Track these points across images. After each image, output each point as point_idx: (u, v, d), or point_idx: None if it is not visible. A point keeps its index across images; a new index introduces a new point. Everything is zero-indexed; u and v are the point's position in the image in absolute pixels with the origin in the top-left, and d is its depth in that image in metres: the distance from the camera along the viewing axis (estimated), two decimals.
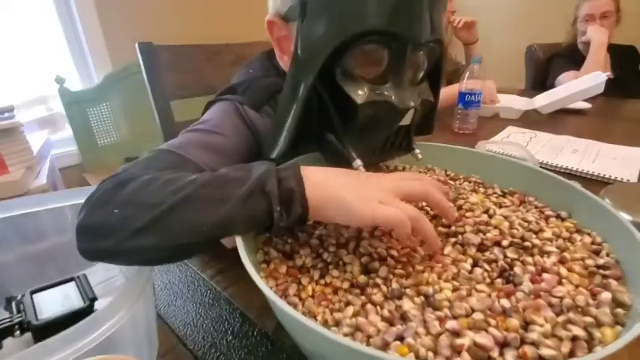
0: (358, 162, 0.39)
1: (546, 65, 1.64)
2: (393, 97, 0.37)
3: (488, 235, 0.32)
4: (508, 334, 0.22)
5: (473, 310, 0.24)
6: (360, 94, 0.37)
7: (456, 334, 0.23)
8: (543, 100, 1.14)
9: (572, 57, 1.53)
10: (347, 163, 0.40)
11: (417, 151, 0.45)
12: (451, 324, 0.23)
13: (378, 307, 0.26)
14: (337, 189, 0.29)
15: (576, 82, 1.15)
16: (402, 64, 0.37)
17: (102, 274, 0.46)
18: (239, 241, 0.28)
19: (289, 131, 0.39)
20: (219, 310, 0.41)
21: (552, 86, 1.53)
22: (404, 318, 0.24)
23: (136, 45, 0.85)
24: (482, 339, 0.22)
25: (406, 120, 0.40)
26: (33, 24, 1.45)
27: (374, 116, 0.38)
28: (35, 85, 1.50)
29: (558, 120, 1.11)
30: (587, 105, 1.20)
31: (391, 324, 0.24)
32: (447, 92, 1.10)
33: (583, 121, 1.11)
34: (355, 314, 0.25)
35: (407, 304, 0.25)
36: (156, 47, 0.87)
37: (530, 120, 1.09)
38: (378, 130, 0.40)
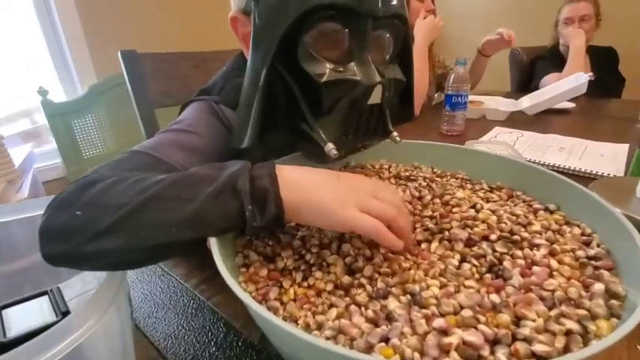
0: (330, 145, 0.38)
1: (530, 68, 1.67)
2: (356, 74, 0.36)
3: (476, 229, 0.31)
4: (499, 330, 0.21)
5: (461, 307, 0.23)
6: (322, 74, 0.36)
7: (444, 332, 0.21)
8: (528, 102, 1.16)
9: (555, 59, 1.57)
10: (320, 149, 0.39)
11: (395, 134, 0.44)
12: (438, 322, 0.22)
13: (363, 308, 0.24)
14: (313, 189, 0.28)
15: (560, 84, 1.18)
16: (364, 40, 0.36)
17: (79, 287, 0.43)
18: (213, 244, 0.27)
19: (255, 119, 0.38)
20: (202, 321, 0.39)
21: (537, 88, 1.55)
22: (389, 318, 0.23)
23: (119, 53, 0.84)
24: (472, 337, 0.20)
25: (375, 98, 0.39)
26: (15, 35, 1.43)
27: (340, 95, 0.37)
28: (19, 97, 1.47)
29: (544, 120, 1.12)
30: (571, 105, 1.22)
31: (376, 325, 0.23)
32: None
33: (568, 121, 1.13)
34: (339, 316, 0.24)
35: (392, 304, 0.24)
36: (139, 55, 0.86)
37: (517, 120, 1.10)
38: (347, 110, 0.39)
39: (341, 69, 0.37)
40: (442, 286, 0.25)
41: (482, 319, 0.22)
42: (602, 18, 1.52)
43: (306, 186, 0.28)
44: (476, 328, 0.22)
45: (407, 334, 0.21)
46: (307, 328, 0.23)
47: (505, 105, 1.16)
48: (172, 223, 0.26)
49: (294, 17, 0.34)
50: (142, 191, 0.27)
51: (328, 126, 0.39)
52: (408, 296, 0.25)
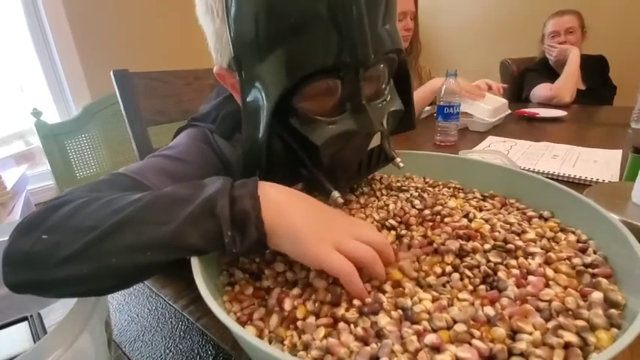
0: (336, 194, 0.37)
1: (520, 78, 1.70)
2: (354, 125, 0.35)
3: (469, 241, 0.30)
4: (494, 345, 0.20)
5: (454, 322, 0.22)
6: (318, 135, 0.35)
7: (437, 349, 0.20)
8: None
9: (544, 71, 1.60)
10: (325, 194, 0.38)
11: (398, 160, 0.44)
12: (430, 338, 0.20)
13: (352, 326, 0.23)
14: (294, 216, 0.27)
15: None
16: (358, 88, 0.34)
17: (63, 312, 0.42)
18: (195, 264, 0.26)
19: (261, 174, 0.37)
20: (190, 343, 0.37)
21: (527, 99, 1.58)
22: (379, 335, 0.22)
23: (111, 73, 0.84)
24: (465, 353, 0.19)
25: (376, 142, 0.38)
26: (9, 56, 1.44)
27: (339, 147, 0.36)
28: (13, 120, 1.47)
29: (537, 128, 1.13)
30: (562, 113, 1.23)
31: (365, 343, 0.21)
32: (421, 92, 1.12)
33: (561, 128, 1.13)
34: (327, 335, 0.22)
35: (383, 320, 0.22)
36: (132, 74, 0.86)
37: (510, 129, 1.11)
38: (348, 158, 0.39)
39: (336, 121, 0.35)
40: (435, 300, 0.24)
41: (477, 333, 0.21)
42: (587, 30, 1.56)
43: (287, 211, 0.27)
44: (470, 343, 0.21)
45: (397, 353, 0.20)
46: (294, 348, 0.22)
47: (487, 114, 1.11)
48: (147, 247, 0.25)
49: (283, 89, 0.33)
50: (115, 213, 0.26)
51: (332, 175, 0.38)
52: (400, 311, 0.23)
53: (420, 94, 1.17)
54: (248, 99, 0.36)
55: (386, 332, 0.21)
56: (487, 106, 1.10)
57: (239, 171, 0.43)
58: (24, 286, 0.26)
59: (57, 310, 0.41)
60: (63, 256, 0.24)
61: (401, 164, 0.44)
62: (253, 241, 0.26)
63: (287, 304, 0.25)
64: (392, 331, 0.21)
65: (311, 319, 0.24)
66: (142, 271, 0.27)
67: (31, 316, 0.37)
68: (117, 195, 0.28)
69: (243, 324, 0.25)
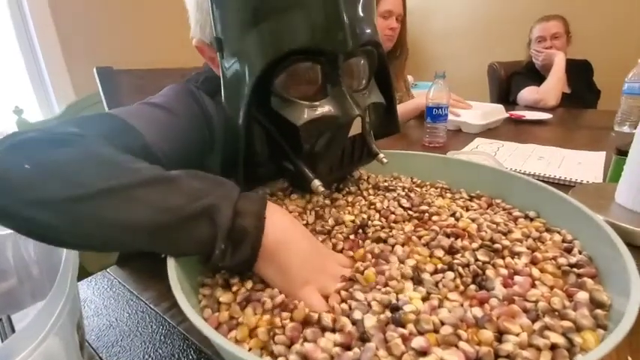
0: (316, 182, 0.37)
1: (508, 82, 1.73)
2: (333, 110, 0.35)
3: (457, 238, 0.30)
4: (480, 348, 0.20)
5: (442, 324, 0.22)
6: (298, 116, 0.35)
7: (423, 353, 0.19)
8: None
9: (531, 75, 1.63)
10: (307, 183, 0.37)
11: (381, 155, 0.44)
12: (418, 342, 0.20)
13: (335, 329, 0.22)
14: (292, 255, 0.27)
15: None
16: (337, 75, 0.35)
17: None
18: (170, 263, 0.25)
19: (241, 163, 0.37)
20: (171, 348, 0.36)
21: (515, 102, 1.61)
22: (363, 339, 0.21)
23: (94, 70, 0.82)
24: (452, 356, 0.19)
25: (356, 129, 0.38)
26: None
27: (319, 133, 0.36)
28: None
29: (523, 130, 1.14)
30: (548, 116, 1.25)
31: (348, 348, 0.20)
32: (407, 105, 1.13)
33: (546, 131, 1.15)
34: (305, 339, 0.22)
35: (369, 321, 0.22)
36: (116, 72, 0.84)
37: (497, 131, 1.12)
38: (329, 146, 0.38)
39: (317, 106, 0.35)
40: (425, 299, 0.24)
41: (464, 335, 0.21)
42: (572, 35, 1.60)
43: (287, 244, 0.27)
44: (457, 346, 0.20)
45: (382, 358, 0.19)
46: (271, 355, 0.21)
47: (477, 118, 1.14)
48: (130, 227, 0.23)
49: (264, 66, 0.33)
50: (109, 177, 0.24)
51: (312, 164, 0.38)
52: (388, 313, 0.23)
53: (402, 109, 1.17)
54: (228, 77, 0.36)
55: (369, 335, 0.21)
56: (477, 110, 1.12)
57: (221, 131, 0.43)
58: None
59: (30, 315, 0.40)
60: (38, 197, 0.23)
61: (384, 160, 0.44)
62: (243, 260, 0.25)
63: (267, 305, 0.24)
64: (374, 334, 0.21)
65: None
66: (112, 246, 0.26)
67: (0, 319, 0.35)
68: (115, 155, 0.26)
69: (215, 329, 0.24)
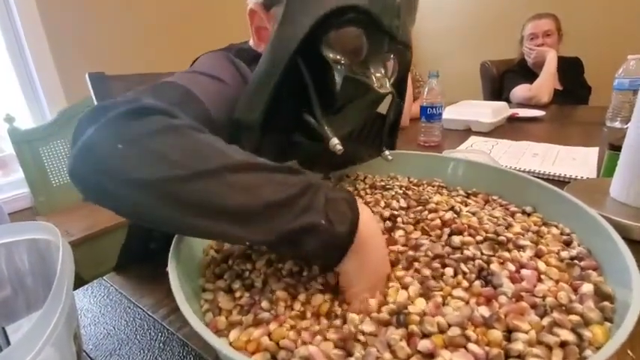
0: (335, 140, 0.37)
1: (500, 79, 1.74)
2: (371, 81, 0.37)
3: (462, 232, 0.30)
4: (490, 349, 0.19)
5: (449, 325, 0.21)
6: (339, 73, 0.37)
7: (430, 355, 0.19)
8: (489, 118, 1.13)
9: (523, 72, 1.64)
10: (318, 146, 0.38)
11: (387, 152, 0.46)
12: (425, 344, 0.19)
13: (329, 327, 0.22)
14: (375, 251, 0.27)
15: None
16: (380, 54, 0.38)
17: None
18: (172, 267, 0.24)
19: (269, 99, 0.37)
20: (170, 355, 0.36)
21: (507, 100, 1.62)
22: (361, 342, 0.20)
23: (86, 75, 0.81)
24: (461, 359, 0.18)
25: (383, 108, 0.40)
26: None
27: (353, 96, 0.38)
28: None
29: (517, 127, 1.15)
30: (541, 113, 1.26)
31: (349, 354, 0.20)
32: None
33: (540, 128, 1.16)
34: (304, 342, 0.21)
35: (367, 326, 0.21)
36: (109, 77, 0.83)
37: (492, 129, 1.13)
38: (355, 113, 0.40)
39: (357, 72, 0.38)
40: (428, 298, 0.23)
41: (473, 336, 0.20)
42: (563, 33, 1.61)
43: (375, 236, 0.28)
44: (466, 347, 0.20)
45: None
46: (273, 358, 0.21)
47: (487, 116, 1.13)
48: (224, 212, 0.23)
49: (327, 10, 0.34)
50: (204, 159, 0.23)
51: (335, 123, 0.39)
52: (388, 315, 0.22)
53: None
54: (280, 25, 0.37)
55: (369, 339, 0.20)
56: (487, 109, 1.13)
57: None
58: (85, 180, 0.24)
59: (25, 327, 0.39)
60: (133, 177, 0.22)
61: (389, 157, 0.45)
62: (339, 242, 0.25)
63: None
64: (376, 336, 0.20)
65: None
66: (198, 232, 0.26)
67: None
68: (206, 135, 0.26)
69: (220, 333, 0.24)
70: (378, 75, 0.38)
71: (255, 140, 0.37)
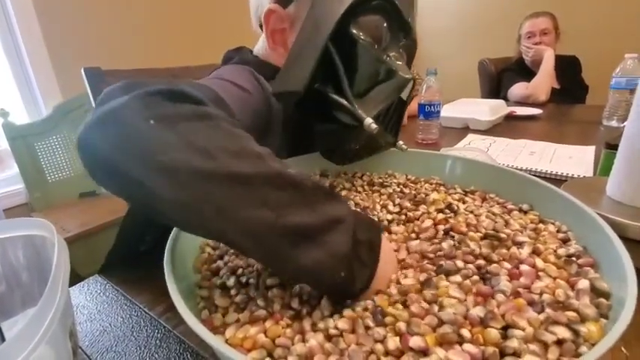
0: (369, 120, 0.38)
1: (498, 78, 1.75)
2: (395, 67, 0.39)
3: (460, 228, 0.30)
4: (486, 348, 0.19)
5: (442, 322, 0.21)
6: (371, 49, 0.38)
7: (423, 352, 0.19)
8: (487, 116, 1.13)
9: (521, 71, 1.65)
10: (358, 120, 0.39)
11: (401, 142, 0.47)
12: (415, 341, 0.19)
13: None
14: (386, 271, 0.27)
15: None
16: (398, 43, 0.41)
17: None
18: (167, 266, 0.24)
19: (312, 70, 0.37)
20: (167, 352, 0.35)
21: (505, 98, 1.62)
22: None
23: (82, 70, 0.80)
24: (457, 357, 0.18)
25: (405, 94, 0.43)
26: None
27: (379, 80, 0.40)
28: None
29: (514, 126, 1.16)
30: (538, 111, 1.27)
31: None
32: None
33: (537, 126, 1.16)
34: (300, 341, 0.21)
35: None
36: (104, 72, 0.82)
37: (489, 128, 1.13)
38: (380, 97, 0.41)
39: (384, 58, 0.39)
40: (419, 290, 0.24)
41: (467, 335, 0.20)
42: (560, 32, 1.62)
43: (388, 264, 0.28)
44: (460, 345, 0.20)
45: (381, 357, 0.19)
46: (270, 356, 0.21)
47: (485, 114, 1.13)
48: (249, 230, 0.21)
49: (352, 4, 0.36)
50: (242, 155, 0.21)
51: (365, 105, 0.39)
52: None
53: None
54: (310, 14, 0.38)
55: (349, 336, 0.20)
56: (485, 107, 1.13)
57: (278, 119, 0.46)
58: (97, 153, 0.22)
59: (20, 323, 0.39)
60: (157, 159, 0.20)
61: (404, 146, 0.47)
62: (358, 291, 0.25)
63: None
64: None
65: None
66: (206, 233, 0.23)
67: None
68: (241, 131, 0.24)
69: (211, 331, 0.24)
70: (399, 63, 0.39)
71: (283, 127, 0.40)
